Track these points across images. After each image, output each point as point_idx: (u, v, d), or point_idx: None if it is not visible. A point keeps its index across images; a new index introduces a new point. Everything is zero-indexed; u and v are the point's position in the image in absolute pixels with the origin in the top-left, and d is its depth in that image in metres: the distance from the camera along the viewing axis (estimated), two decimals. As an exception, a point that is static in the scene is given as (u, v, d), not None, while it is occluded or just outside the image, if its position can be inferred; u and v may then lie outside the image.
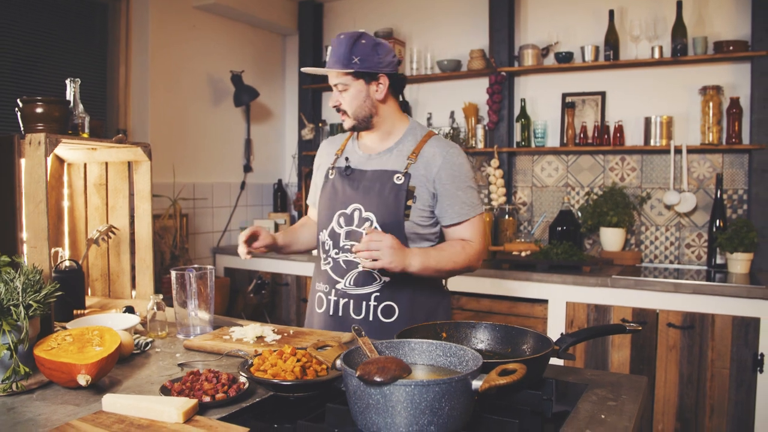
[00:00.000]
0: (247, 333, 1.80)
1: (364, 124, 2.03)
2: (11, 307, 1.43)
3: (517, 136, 4.08)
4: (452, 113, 4.34)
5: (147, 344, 1.79)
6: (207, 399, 1.30)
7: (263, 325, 1.88)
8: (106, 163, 2.30)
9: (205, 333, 1.90)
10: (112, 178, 2.30)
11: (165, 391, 1.36)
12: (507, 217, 4.02)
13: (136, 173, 2.23)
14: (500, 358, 1.46)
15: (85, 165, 2.34)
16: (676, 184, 3.67)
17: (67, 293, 1.80)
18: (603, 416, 1.28)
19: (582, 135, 3.87)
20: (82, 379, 1.37)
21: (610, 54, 3.73)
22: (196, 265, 1.97)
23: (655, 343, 3.09)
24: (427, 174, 1.97)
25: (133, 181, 2.25)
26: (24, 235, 1.79)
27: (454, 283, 3.58)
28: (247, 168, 4.73)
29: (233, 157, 4.66)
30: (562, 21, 4.02)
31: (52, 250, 1.92)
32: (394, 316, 1.98)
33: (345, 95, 1.98)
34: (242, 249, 2.01)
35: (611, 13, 3.75)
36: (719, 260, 3.45)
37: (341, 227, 2.01)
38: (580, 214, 3.87)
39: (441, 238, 2.08)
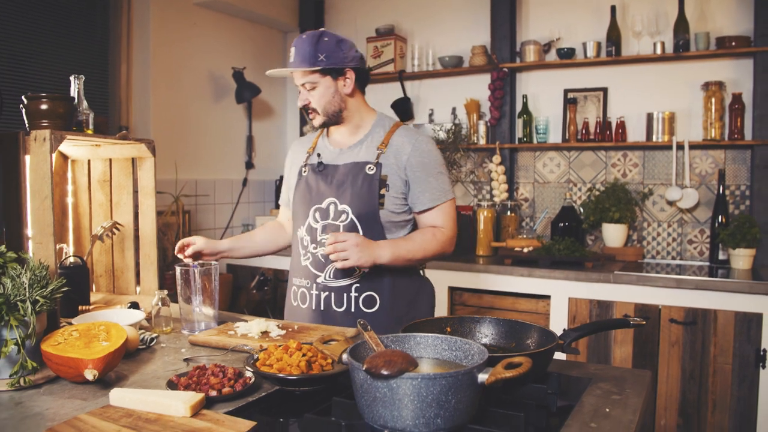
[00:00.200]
0: (251, 328, 1.81)
1: (334, 119, 2.06)
2: (18, 303, 1.44)
3: (519, 132, 4.08)
4: (454, 109, 4.34)
5: (152, 340, 1.79)
6: (214, 393, 1.31)
7: (268, 321, 1.89)
8: (110, 160, 2.31)
9: (209, 328, 1.91)
10: (116, 175, 2.30)
11: (172, 385, 1.37)
12: (509, 213, 4.02)
13: (140, 170, 2.24)
14: (504, 353, 1.46)
15: (89, 161, 2.35)
16: (678, 180, 3.68)
17: (72, 289, 1.80)
18: (607, 410, 1.29)
19: (584, 131, 3.87)
20: (89, 374, 1.38)
21: (612, 50, 3.73)
22: (200, 261, 1.98)
23: (657, 339, 3.10)
24: (398, 162, 2.01)
25: (136, 178, 2.26)
26: (29, 231, 1.80)
27: (455, 279, 3.59)
28: (249, 164, 4.73)
29: (235, 154, 4.66)
30: (563, 17, 4.02)
31: (57, 247, 1.92)
32: (376, 306, 2.02)
33: (313, 93, 2.01)
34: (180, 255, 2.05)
35: (613, 8, 3.75)
36: (721, 256, 3.45)
37: (317, 222, 2.05)
38: (582, 210, 3.88)
39: (416, 224, 2.12)
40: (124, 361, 1.62)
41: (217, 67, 4.44)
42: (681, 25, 3.54)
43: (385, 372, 1.04)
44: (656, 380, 3.10)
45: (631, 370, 1.58)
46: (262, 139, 4.88)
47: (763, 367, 2.88)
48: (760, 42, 3.38)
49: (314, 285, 2.05)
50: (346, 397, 1.22)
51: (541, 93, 4.12)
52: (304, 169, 2.14)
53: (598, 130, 3.83)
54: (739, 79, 3.55)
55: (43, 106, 1.81)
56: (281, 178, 4.93)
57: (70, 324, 1.69)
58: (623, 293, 3.17)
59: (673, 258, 3.77)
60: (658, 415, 3.11)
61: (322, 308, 2.04)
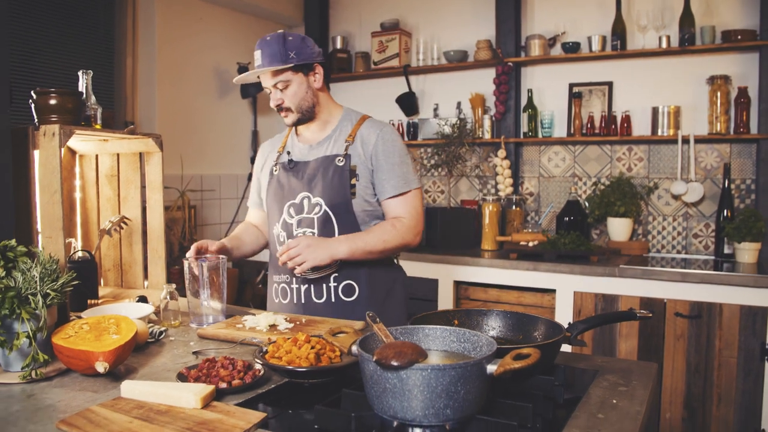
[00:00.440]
0: (260, 321, 1.82)
1: (308, 116, 2.10)
2: (29, 296, 1.45)
3: (524, 127, 4.08)
4: (459, 104, 4.34)
5: (161, 333, 1.80)
6: (223, 385, 1.32)
7: (276, 314, 1.91)
8: (118, 155, 2.32)
9: (217, 322, 1.92)
10: (124, 169, 2.31)
11: (182, 377, 1.38)
12: (514, 207, 4.03)
13: (148, 164, 2.25)
14: (512, 345, 1.47)
15: (96, 156, 2.36)
16: (683, 174, 3.67)
17: (81, 283, 1.82)
18: (615, 401, 1.29)
19: (589, 125, 3.87)
20: (100, 367, 1.39)
21: (617, 44, 3.73)
22: (208, 255, 1.99)
23: (662, 333, 3.10)
24: (365, 152, 2.06)
25: (144, 172, 2.27)
26: (39, 225, 1.81)
27: (461, 274, 3.60)
28: (254, 159, 4.73)
29: (240, 149, 4.67)
30: (568, 11, 4.01)
31: (66, 241, 1.93)
32: (355, 295, 2.07)
33: (287, 92, 2.05)
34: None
35: (618, 2, 3.74)
36: (727, 250, 3.45)
37: (292, 217, 2.09)
38: (587, 204, 3.88)
39: None
40: (134, 354, 1.63)
41: (223, 62, 4.44)
42: (686, 18, 3.54)
43: (395, 363, 1.05)
44: (661, 374, 3.11)
45: (638, 362, 1.58)
46: (267, 134, 4.88)
47: (769, 360, 2.89)
48: (766, 36, 3.38)
49: (294, 279, 2.10)
50: (355, 388, 1.23)
51: (546, 87, 4.11)
52: (275, 168, 2.18)
53: (603, 125, 3.83)
54: (745, 72, 3.54)
55: (52, 101, 1.83)
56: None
57: (80, 318, 1.71)
58: (628, 287, 3.17)
59: (679, 252, 3.77)
60: (663, 409, 3.12)
61: (303, 301, 2.09)
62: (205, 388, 1.26)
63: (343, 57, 4.69)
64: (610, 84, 3.90)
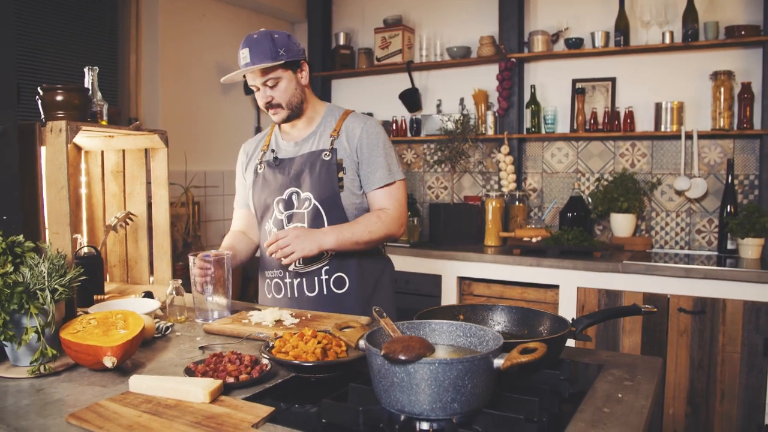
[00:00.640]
0: (265, 317, 1.83)
1: (296, 112, 2.12)
2: (37, 292, 1.46)
3: (527, 123, 4.08)
4: (462, 100, 4.34)
5: (167, 328, 1.81)
6: (231, 380, 1.33)
7: (281, 309, 1.91)
8: (123, 151, 2.33)
9: (222, 317, 1.93)
10: (129, 166, 2.32)
11: (189, 372, 1.39)
12: (517, 203, 4.03)
13: (153, 160, 2.26)
14: (517, 340, 1.48)
15: (102, 152, 2.37)
16: (686, 170, 3.67)
17: (87, 279, 1.83)
18: (620, 395, 1.30)
19: (592, 121, 3.87)
20: (108, 361, 1.40)
21: (621, 40, 3.72)
22: (213, 251, 1.99)
23: (665, 328, 3.11)
24: (350, 145, 2.10)
25: (149, 168, 2.28)
26: (46, 221, 1.82)
27: (464, 269, 3.60)
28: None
29: (243, 146, 4.67)
30: (571, 7, 4.01)
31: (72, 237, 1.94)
32: (345, 287, 2.11)
33: (277, 89, 2.06)
34: None
35: (622, -2, 3.74)
36: (730, 246, 3.45)
37: (282, 213, 2.11)
38: (590, 200, 3.88)
39: None
40: (141, 350, 1.64)
41: (225, 59, 4.45)
42: (690, 14, 3.53)
43: (402, 357, 1.05)
44: (665, 369, 3.11)
45: (643, 357, 1.59)
46: (270, 131, 4.89)
47: (772, 355, 2.89)
48: (770, 31, 3.37)
49: (287, 273, 2.13)
50: (362, 382, 1.24)
51: (549, 83, 4.11)
52: (259, 166, 2.20)
53: (606, 120, 3.83)
54: (749, 68, 3.54)
55: (59, 98, 1.83)
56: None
57: (87, 313, 1.72)
58: (632, 283, 3.18)
59: (682, 248, 3.77)
60: (666, 404, 3.12)
61: (296, 295, 2.12)
62: (213, 383, 1.27)
63: (346, 53, 4.69)
64: (613, 80, 3.90)
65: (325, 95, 4.88)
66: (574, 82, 3.99)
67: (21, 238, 1.57)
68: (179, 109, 4.12)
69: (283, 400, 1.30)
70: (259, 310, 1.96)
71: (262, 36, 2.01)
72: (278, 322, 1.82)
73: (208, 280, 1.92)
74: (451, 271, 3.64)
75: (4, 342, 1.44)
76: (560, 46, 4.03)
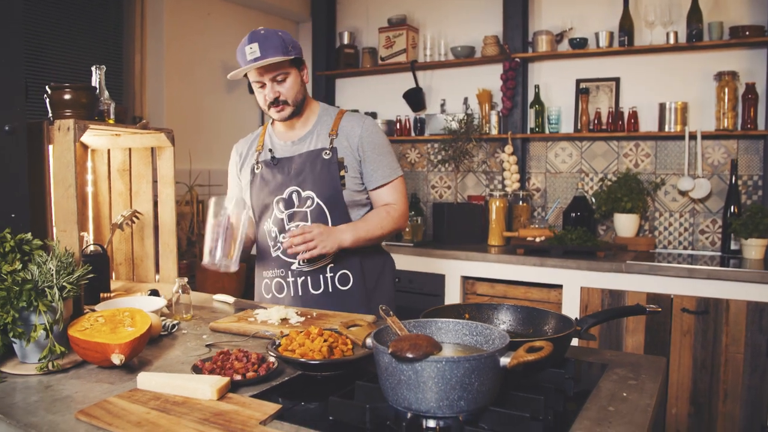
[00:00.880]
0: (271, 315, 1.84)
1: (298, 110, 2.13)
2: (46, 289, 1.47)
3: (531, 123, 4.09)
4: (466, 99, 4.34)
5: (173, 326, 1.82)
6: (238, 377, 1.34)
7: (287, 308, 1.92)
8: (130, 149, 2.34)
9: (228, 270, 1.90)
10: (136, 164, 2.33)
11: (197, 370, 1.39)
12: (521, 203, 4.04)
13: (160, 159, 2.27)
14: (522, 339, 1.48)
15: (108, 151, 2.38)
16: (690, 170, 3.68)
17: (94, 277, 1.84)
18: (624, 394, 1.31)
19: (596, 121, 3.87)
20: (116, 359, 1.41)
21: (625, 40, 3.73)
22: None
23: (669, 328, 3.11)
24: (350, 144, 2.12)
25: (156, 167, 2.29)
26: (53, 219, 1.83)
27: (468, 269, 3.61)
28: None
29: (248, 144, 4.68)
30: (576, 7, 4.01)
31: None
32: (350, 284, 2.13)
33: (285, 85, 2.07)
34: None
35: (626, -2, 3.75)
36: (733, 246, 3.45)
37: (282, 212, 2.12)
38: (594, 200, 3.88)
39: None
40: (148, 347, 1.65)
41: (230, 58, 4.45)
42: (694, 14, 3.53)
43: (410, 355, 1.06)
44: (668, 369, 3.12)
45: (647, 356, 1.59)
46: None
47: (775, 356, 2.89)
48: (775, 31, 3.37)
49: (289, 272, 2.14)
50: (368, 380, 1.25)
51: (554, 83, 4.12)
52: (256, 166, 2.20)
53: (610, 120, 3.83)
54: (753, 69, 3.54)
55: (67, 96, 1.85)
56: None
57: (94, 311, 1.73)
58: (635, 283, 3.18)
59: (685, 248, 3.77)
60: (669, 404, 3.13)
61: (300, 293, 2.13)
62: (220, 380, 1.27)
63: (350, 52, 4.70)
64: (617, 80, 3.90)
65: (329, 94, 4.89)
66: (578, 82, 4.00)
67: (29, 235, 1.59)
68: (184, 107, 4.13)
69: (289, 397, 1.31)
70: (265, 308, 1.97)
71: (270, 32, 2.01)
72: (284, 321, 1.83)
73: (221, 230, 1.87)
74: (454, 270, 3.65)
75: (13, 339, 1.45)
76: (564, 46, 4.03)
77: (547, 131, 4.05)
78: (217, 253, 1.86)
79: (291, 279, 2.14)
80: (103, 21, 3.78)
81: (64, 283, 1.50)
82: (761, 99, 3.48)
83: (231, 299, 2.20)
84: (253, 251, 2.32)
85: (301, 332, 1.49)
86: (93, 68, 2.04)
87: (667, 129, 3.68)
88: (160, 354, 1.61)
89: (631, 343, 3.18)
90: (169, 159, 2.24)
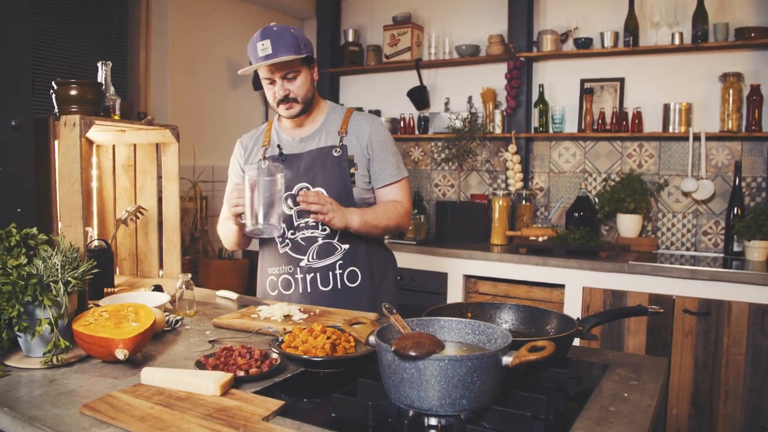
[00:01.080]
0: (274, 312, 1.85)
1: (307, 107, 2.14)
2: (51, 284, 1.48)
3: (535, 122, 4.09)
4: (470, 98, 4.34)
5: (177, 322, 1.83)
6: (241, 373, 1.34)
7: (290, 305, 1.93)
8: (134, 145, 2.35)
9: (272, 234, 1.91)
10: (140, 160, 2.34)
11: (200, 365, 1.40)
12: (524, 202, 4.04)
13: (164, 155, 2.27)
14: (524, 338, 1.49)
15: (113, 146, 2.39)
16: (694, 171, 3.68)
17: (98, 272, 1.85)
18: (626, 395, 1.31)
19: (600, 121, 3.87)
20: (120, 354, 1.41)
21: (630, 40, 3.72)
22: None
23: (670, 329, 3.11)
24: (360, 143, 2.14)
25: (160, 163, 2.30)
26: (58, 214, 1.84)
27: (471, 268, 3.61)
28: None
29: (251, 141, 4.69)
30: (581, 6, 4.01)
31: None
32: (358, 280, 2.14)
33: (295, 82, 2.07)
34: None
35: (631, -2, 3.74)
36: (736, 248, 3.45)
37: (291, 208, 2.12)
38: (597, 200, 3.88)
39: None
40: (151, 343, 1.65)
41: (235, 54, 4.46)
42: (700, 15, 3.53)
43: (413, 353, 1.07)
44: (669, 370, 3.12)
45: (648, 357, 1.60)
46: (278, 127, 4.90)
47: (777, 358, 2.90)
48: (780, 33, 3.37)
49: (298, 269, 2.14)
50: (370, 378, 1.25)
51: (558, 83, 4.12)
52: (264, 162, 2.19)
53: (614, 120, 3.83)
54: (758, 70, 3.54)
55: (73, 92, 1.85)
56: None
57: (98, 306, 1.74)
58: (637, 283, 3.18)
59: (688, 249, 3.77)
60: (670, 405, 3.13)
61: (309, 290, 2.13)
62: (223, 376, 1.28)
63: (354, 50, 4.70)
64: (621, 80, 3.90)
65: (333, 92, 4.90)
66: (583, 81, 4.00)
67: (34, 230, 1.59)
68: (188, 103, 4.14)
69: (292, 394, 1.32)
70: (268, 305, 1.97)
71: (282, 29, 2.01)
72: (287, 318, 1.83)
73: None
74: (457, 269, 3.65)
75: (18, 333, 1.46)
76: (569, 46, 4.03)
77: (550, 131, 4.05)
78: (260, 218, 1.84)
79: (300, 275, 2.13)
80: (108, 17, 3.79)
81: (69, 278, 1.51)
82: (766, 101, 3.47)
83: (234, 295, 2.21)
84: (255, 247, 2.32)
85: (304, 329, 1.50)
86: (99, 64, 2.04)
87: (671, 130, 3.68)
88: (163, 349, 1.62)
89: (632, 344, 3.19)
90: (174, 155, 2.25)
